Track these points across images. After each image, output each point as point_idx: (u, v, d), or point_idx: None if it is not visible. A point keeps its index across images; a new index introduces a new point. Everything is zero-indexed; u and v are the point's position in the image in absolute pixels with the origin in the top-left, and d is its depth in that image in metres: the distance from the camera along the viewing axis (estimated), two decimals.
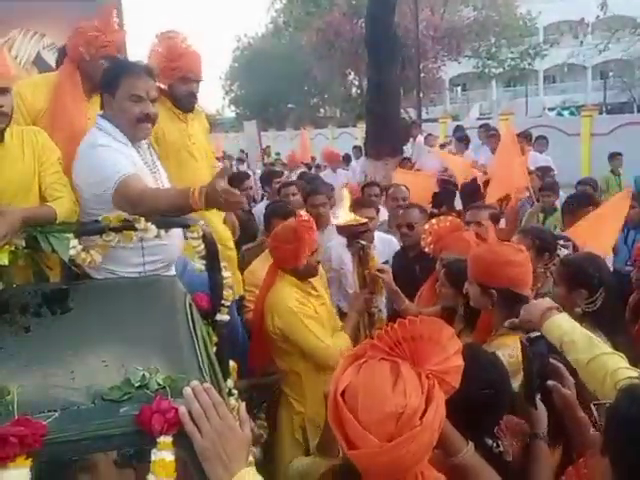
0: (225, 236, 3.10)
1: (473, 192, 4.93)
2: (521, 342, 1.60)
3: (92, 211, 2.01)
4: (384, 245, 3.52)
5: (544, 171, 5.76)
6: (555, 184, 5.25)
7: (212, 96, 37.17)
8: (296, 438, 2.64)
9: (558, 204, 5.07)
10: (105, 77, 2.11)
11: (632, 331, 2.39)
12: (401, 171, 6.99)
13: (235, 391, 2.16)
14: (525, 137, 6.35)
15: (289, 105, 29.71)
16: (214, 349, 2.00)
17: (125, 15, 3.79)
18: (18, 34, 3.12)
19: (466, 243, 2.74)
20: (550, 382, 1.54)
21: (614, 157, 8.02)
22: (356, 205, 3.56)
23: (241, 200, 2.03)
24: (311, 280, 2.76)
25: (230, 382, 2.11)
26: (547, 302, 1.71)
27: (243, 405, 1.27)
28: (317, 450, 1.51)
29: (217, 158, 3.52)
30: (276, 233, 2.74)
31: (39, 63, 3.17)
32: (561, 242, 2.89)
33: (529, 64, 24.79)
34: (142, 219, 1.90)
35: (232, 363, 2.19)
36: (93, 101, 2.43)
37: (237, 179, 4.54)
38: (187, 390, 1.09)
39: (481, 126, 9.15)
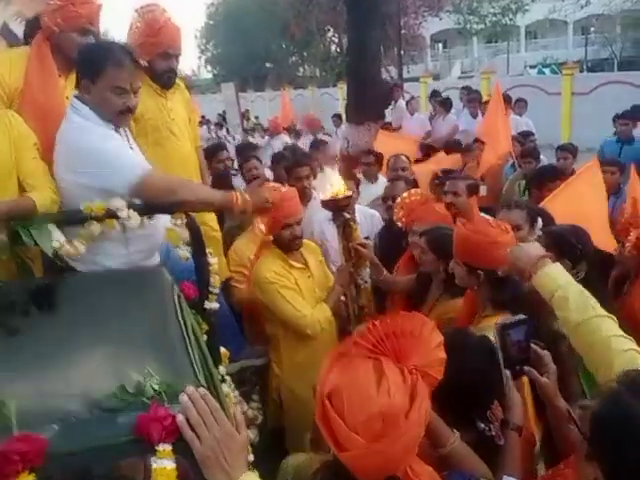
0: (208, 216, 3.07)
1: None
2: (496, 328, 1.56)
3: (74, 202, 1.95)
4: (366, 219, 3.54)
5: (525, 136, 5.74)
6: (536, 149, 5.23)
7: (187, 56, 36.02)
8: (273, 398, 2.84)
9: None
10: (85, 61, 2.00)
11: (613, 304, 2.43)
12: (383, 133, 6.89)
13: (227, 377, 2.20)
14: (505, 99, 6.28)
15: (267, 64, 28.98)
16: (204, 337, 2.02)
17: None
18: None
19: (437, 214, 2.90)
20: (526, 368, 1.54)
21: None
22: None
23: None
24: (301, 252, 2.83)
25: (222, 369, 2.13)
26: (538, 249, 1.62)
27: (238, 409, 1.27)
28: (310, 445, 1.54)
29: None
30: None
31: (5, 34, 3.01)
32: None
33: (510, 19, 24.44)
34: (124, 207, 1.86)
35: (223, 350, 2.22)
36: (71, 78, 2.31)
37: (211, 151, 4.43)
38: (184, 398, 1.10)
39: (463, 88, 9.05)
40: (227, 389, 2.09)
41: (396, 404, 1.06)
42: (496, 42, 31.50)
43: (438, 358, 1.16)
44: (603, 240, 2.98)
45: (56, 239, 1.80)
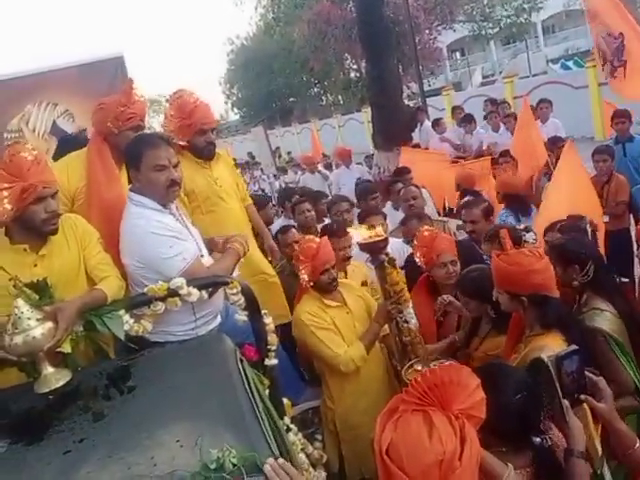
0: (263, 265, 3.29)
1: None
2: (551, 360, 1.62)
3: (139, 281, 2.18)
4: (397, 251, 3.60)
5: (554, 142, 5.70)
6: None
7: (214, 102, 37.23)
8: (329, 429, 2.96)
9: None
10: (128, 154, 2.26)
11: None
12: (407, 150, 6.86)
13: (292, 426, 2.31)
14: (532, 110, 6.24)
15: (291, 99, 29.64)
16: (267, 392, 2.14)
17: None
18: (32, 107, 3.27)
19: (450, 243, 3.06)
20: (582, 396, 1.61)
21: None
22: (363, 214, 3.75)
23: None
24: (340, 290, 2.96)
25: (287, 419, 2.25)
26: None
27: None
28: None
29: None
30: (295, 255, 3.01)
31: (56, 131, 3.32)
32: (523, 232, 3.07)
33: (525, 19, 24.20)
34: (184, 285, 2.04)
35: (286, 401, 2.33)
36: (124, 169, 2.56)
37: (259, 203, 4.62)
38: (267, 468, 1.23)
39: (487, 100, 9.03)
40: (293, 437, 2.21)
41: (449, 450, 1.17)
42: (514, 42, 31.22)
43: (478, 399, 1.27)
44: (595, 215, 3.51)
45: (126, 322, 1.99)
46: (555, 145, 5.53)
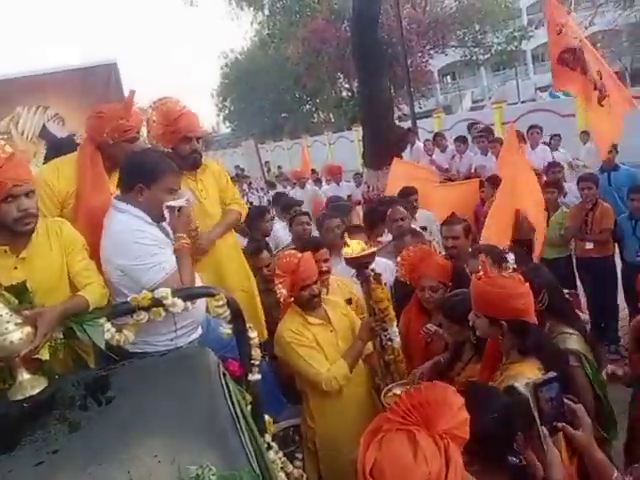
0: (242, 280, 3.20)
1: None
2: (529, 387, 1.62)
3: (118, 290, 2.13)
4: (383, 270, 3.59)
5: (548, 168, 5.79)
6: (558, 180, 5.29)
7: (206, 114, 37.34)
8: (309, 447, 2.91)
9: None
10: (144, 169, 2.21)
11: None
12: (399, 162, 6.81)
13: (273, 444, 2.26)
14: (520, 137, 6.34)
15: (283, 115, 29.80)
16: (249, 407, 2.10)
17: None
18: (22, 110, 3.23)
19: (438, 267, 3.03)
20: (560, 424, 1.60)
21: None
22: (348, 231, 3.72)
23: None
24: (324, 307, 2.91)
25: (268, 437, 2.21)
26: None
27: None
28: None
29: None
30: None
31: (45, 135, 3.28)
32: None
33: (516, 47, 24.73)
34: (169, 295, 2.00)
35: (267, 418, 2.29)
36: (113, 176, 2.54)
37: (257, 214, 4.58)
38: None
39: (471, 124, 9.18)
40: (273, 455, 2.16)
41: (435, 470, 1.14)
42: (504, 69, 31.82)
43: (462, 419, 1.25)
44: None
45: (107, 330, 1.94)
46: (548, 170, 5.64)
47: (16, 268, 1.95)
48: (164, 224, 2.31)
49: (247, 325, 2.17)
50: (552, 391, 1.60)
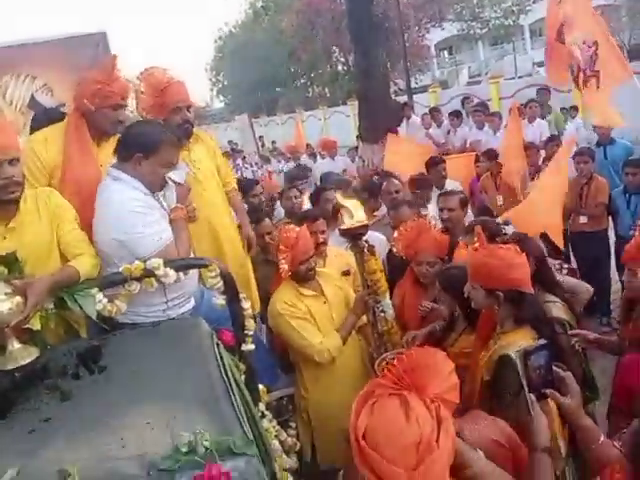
0: (236, 252, 3.18)
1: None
2: (518, 354, 1.63)
3: (115, 260, 2.11)
4: (377, 244, 3.58)
5: (546, 143, 5.75)
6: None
7: (199, 89, 36.79)
8: (302, 417, 2.95)
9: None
10: (144, 139, 2.17)
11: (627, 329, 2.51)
12: (393, 137, 6.76)
13: (267, 412, 2.28)
14: (520, 111, 6.29)
15: (277, 89, 29.44)
16: (243, 377, 2.10)
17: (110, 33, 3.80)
18: (10, 79, 3.14)
19: (435, 242, 3.02)
20: (548, 390, 1.61)
21: None
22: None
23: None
24: (317, 280, 2.92)
25: (261, 405, 2.22)
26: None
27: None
28: None
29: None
30: (274, 244, 3.05)
31: (34, 105, 3.21)
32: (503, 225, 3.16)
33: (514, 21, 24.40)
34: (161, 265, 1.98)
35: (261, 387, 2.30)
36: (102, 146, 2.50)
37: (245, 187, 4.54)
38: None
39: (465, 98, 9.10)
40: (267, 424, 2.18)
41: (426, 432, 1.16)
42: (502, 44, 31.43)
43: (453, 384, 1.27)
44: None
45: (99, 301, 1.93)
46: (547, 145, 5.60)
47: (5, 238, 1.92)
48: (159, 195, 2.29)
49: (240, 296, 2.17)
50: (541, 358, 1.62)
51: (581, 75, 4.97)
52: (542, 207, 3.74)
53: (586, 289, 2.67)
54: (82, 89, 2.43)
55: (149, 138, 2.17)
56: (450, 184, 4.79)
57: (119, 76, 2.46)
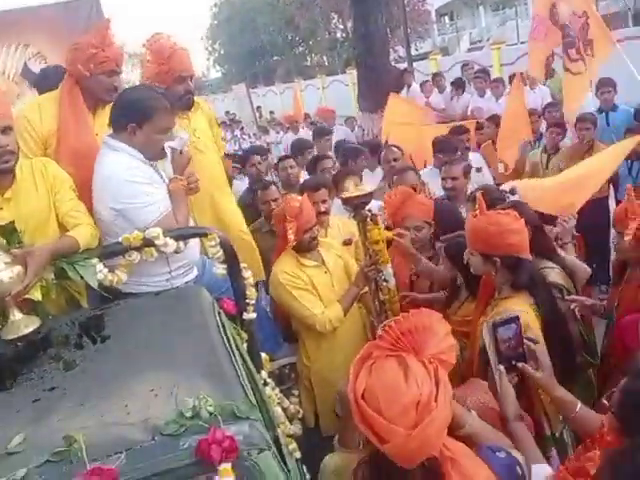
0: (238, 221, 3.20)
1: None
2: (487, 326, 1.66)
3: (114, 230, 2.10)
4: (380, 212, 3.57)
5: (545, 108, 5.69)
6: (557, 121, 5.19)
7: (196, 58, 36.17)
8: (305, 385, 2.98)
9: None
10: (136, 107, 2.13)
11: (616, 291, 2.52)
12: (395, 97, 6.60)
13: (269, 380, 2.30)
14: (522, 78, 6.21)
15: (275, 58, 28.94)
16: (245, 345, 2.12)
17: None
18: (1, 48, 3.08)
19: (421, 207, 2.99)
20: (519, 364, 1.64)
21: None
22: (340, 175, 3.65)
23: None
24: (319, 250, 2.92)
25: (264, 373, 2.24)
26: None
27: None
28: (339, 444, 1.63)
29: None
30: (274, 215, 2.96)
31: (27, 74, 3.14)
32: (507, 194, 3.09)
33: None
34: (161, 235, 1.97)
35: (263, 355, 2.32)
36: (98, 114, 2.46)
37: (244, 157, 4.52)
38: None
39: (464, 65, 8.95)
40: (270, 391, 2.21)
41: (425, 392, 1.18)
42: (503, 9, 30.77)
43: (449, 344, 1.29)
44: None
45: (99, 271, 1.92)
46: (545, 110, 5.54)
47: (2, 209, 1.90)
48: (157, 165, 2.26)
49: (241, 265, 2.16)
50: (510, 331, 1.65)
51: (581, 45, 4.96)
52: (569, 192, 3.47)
53: (584, 269, 2.66)
54: (75, 54, 2.38)
55: (140, 106, 2.13)
56: (475, 156, 4.71)
57: (113, 41, 2.41)
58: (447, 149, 4.29)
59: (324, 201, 3.24)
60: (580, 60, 5.02)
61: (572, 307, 2.37)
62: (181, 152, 2.28)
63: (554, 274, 2.45)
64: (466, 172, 3.54)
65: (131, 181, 2.09)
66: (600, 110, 5.54)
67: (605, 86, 5.39)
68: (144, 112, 2.11)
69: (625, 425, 1.23)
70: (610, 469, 1.12)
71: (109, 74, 2.41)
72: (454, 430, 1.46)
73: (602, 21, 5.09)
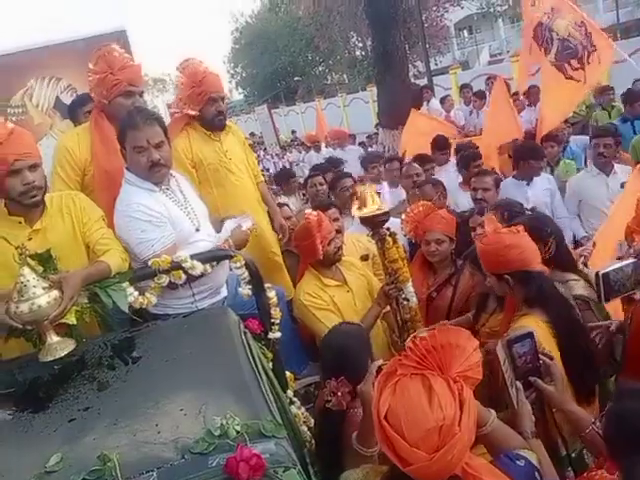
0: (271, 242, 3.26)
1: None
2: (502, 343, 1.66)
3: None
4: (399, 230, 3.58)
5: None
6: (556, 135, 5.20)
7: None
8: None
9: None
10: (118, 132, 2.24)
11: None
12: (416, 114, 6.79)
13: (295, 399, 2.33)
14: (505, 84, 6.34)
15: (296, 78, 29.34)
16: (270, 364, 2.15)
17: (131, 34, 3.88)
18: (35, 82, 3.23)
19: (443, 221, 3.02)
20: (532, 378, 1.65)
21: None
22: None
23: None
24: (340, 269, 2.95)
25: (289, 392, 2.27)
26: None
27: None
28: (357, 442, 1.65)
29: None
30: (295, 234, 3.02)
31: (59, 107, 3.30)
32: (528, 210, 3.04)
33: None
34: (188, 258, 2.04)
35: (288, 374, 2.35)
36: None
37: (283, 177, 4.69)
38: None
39: (488, 78, 8.96)
40: (296, 410, 2.23)
41: (449, 416, 1.17)
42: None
43: (476, 360, 1.27)
44: None
45: (130, 294, 2.00)
46: None
47: (30, 239, 2.00)
48: (178, 185, 2.34)
49: (265, 285, 2.21)
50: (525, 347, 1.66)
51: (585, 53, 5.03)
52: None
53: None
54: (90, 84, 2.49)
55: (120, 127, 2.22)
56: None
57: (126, 64, 2.46)
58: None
59: (336, 219, 3.28)
60: (580, 69, 5.08)
61: (593, 335, 2.30)
62: (242, 228, 2.40)
63: (578, 286, 2.44)
64: (497, 183, 3.55)
65: (130, 217, 2.18)
66: (624, 120, 5.49)
67: (634, 97, 5.52)
68: (121, 134, 2.20)
69: (611, 449, 1.23)
70: None
71: (125, 96, 2.48)
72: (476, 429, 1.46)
73: (599, 28, 5.26)
